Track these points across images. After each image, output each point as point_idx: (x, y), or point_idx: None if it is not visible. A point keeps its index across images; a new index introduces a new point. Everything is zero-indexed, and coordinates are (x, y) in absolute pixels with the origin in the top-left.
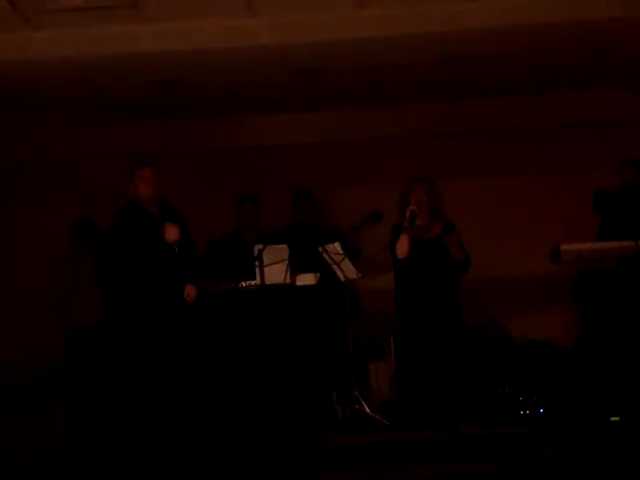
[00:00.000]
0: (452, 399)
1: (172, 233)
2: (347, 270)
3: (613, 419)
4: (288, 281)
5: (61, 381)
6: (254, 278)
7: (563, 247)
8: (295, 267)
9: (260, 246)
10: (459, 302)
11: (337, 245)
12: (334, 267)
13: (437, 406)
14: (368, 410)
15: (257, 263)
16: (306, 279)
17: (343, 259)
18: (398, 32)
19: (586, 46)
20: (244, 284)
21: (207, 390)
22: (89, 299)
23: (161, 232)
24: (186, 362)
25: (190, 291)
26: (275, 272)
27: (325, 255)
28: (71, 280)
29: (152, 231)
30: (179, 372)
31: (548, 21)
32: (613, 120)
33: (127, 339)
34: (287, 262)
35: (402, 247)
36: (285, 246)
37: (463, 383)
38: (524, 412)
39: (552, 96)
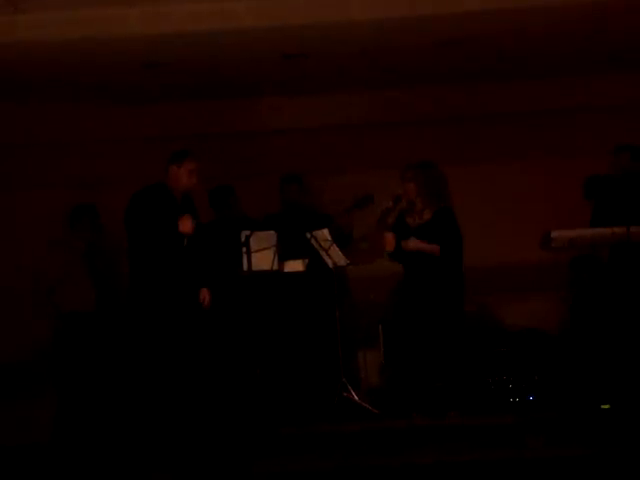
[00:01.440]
0: (441, 387)
1: (187, 225)
2: (336, 257)
3: (604, 407)
4: (276, 267)
5: (48, 368)
6: (241, 265)
7: (554, 234)
8: (284, 253)
9: (247, 232)
10: (454, 288)
11: (326, 232)
12: (322, 254)
13: (426, 394)
14: (356, 398)
15: (244, 249)
16: (294, 266)
17: (331, 246)
18: (390, 15)
19: (582, 29)
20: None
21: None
22: (78, 285)
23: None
24: (175, 350)
25: (206, 295)
26: (263, 258)
27: (313, 241)
28: (58, 265)
29: (175, 217)
30: (168, 360)
31: (544, 4)
32: (607, 105)
33: (121, 327)
34: (275, 248)
35: (387, 243)
36: (273, 232)
37: (453, 370)
38: (514, 400)
39: (545, 81)
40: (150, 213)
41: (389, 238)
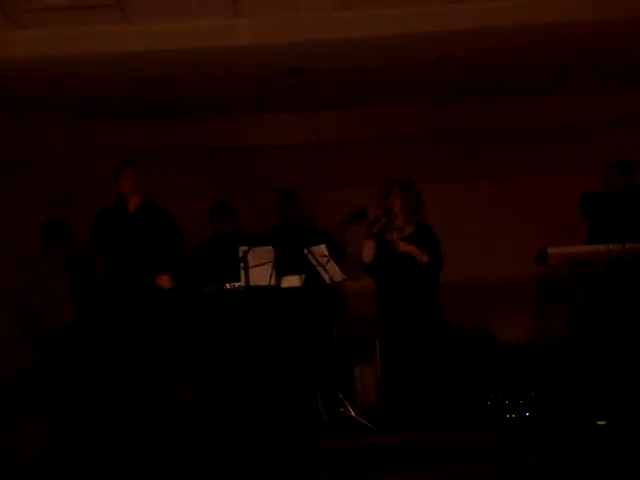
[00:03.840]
0: (437, 403)
1: (165, 281)
2: (333, 272)
3: (599, 423)
4: (273, 283)
5: (37, 383)
6: (239, 280)
7: (550, 250)
8: (281, 269)
9: (245, 248)
10: (437, 301)
11: (323, 247)
12: (320, 269)
13: (422, 410)
14: (353, 413)
15: (242, 265)
16: (291, 281)
17: (329, 261)
18: (382, 33)
19: (571, 48)
20: (228, 286)
21: (187, 393)
22: (62, 300)
23: (138, 229)
24: (168, 364)
25: (163, 280)
26: (260, 274)
27: (311, 257)
28: (43, 281)
29: (126, 228)
30: (161, 374)
31: (535, 22)
32: (603, 122)
33: (103, 340)
34: (272, 264)
35: (366, 252)
36: (271, 248)
37: (448, 386)
38: (510, 416)
39: (538, 98)
40: (102, 233)
41: (370, 245)
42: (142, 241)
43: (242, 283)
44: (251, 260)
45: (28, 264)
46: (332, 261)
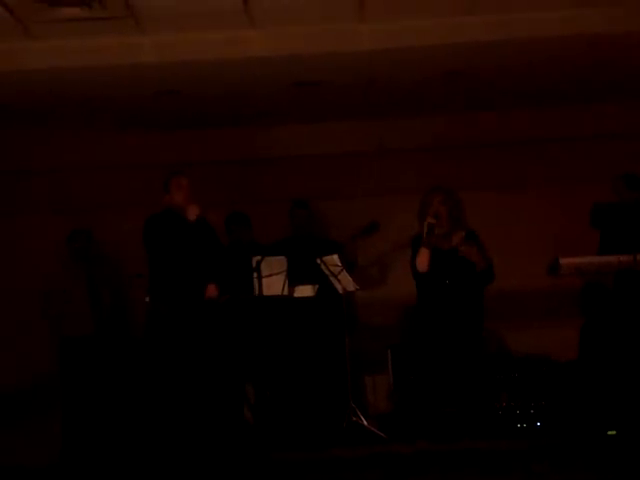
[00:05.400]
0: (450, 412)
1: (192, 212)
2: (345, 282)
3: (610, 433)
4: (286, 292)
5: (54, 390)
6: (252, 290)
7: (562, 261)
8: (293, 278)
9: (258, 257)
10: (482, 313)
11: (335, 257)
12: (332, 279)
13: (434, 419)
14: (365, 422)
15: (255, 274)
16: (304, 291)
17: (341, 271)
18: (397, 45)
19: (582, 60)
20: (242, 295)
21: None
22: (82, 309)
23: (194, 238)
24: (184, 372)
25: (210, 290)
26: (273, 283)
27: (323, 267)
28: (65, 289)
29: (186, 236)
30: (176, 381)
31: (546, 35)
32: (617, 132)
33: (122, 348)
34: (285, 274)
35: (422, 261)
36: (284, 258)
37: (463, 396)
38: (521, 426)
39: (557, 110)
40: (161, 239)
41: (427, 254)
42: (198, 251)
43: (255, 292)
44: (264, 270)
45: (51, 272)
46: (345, 271)
